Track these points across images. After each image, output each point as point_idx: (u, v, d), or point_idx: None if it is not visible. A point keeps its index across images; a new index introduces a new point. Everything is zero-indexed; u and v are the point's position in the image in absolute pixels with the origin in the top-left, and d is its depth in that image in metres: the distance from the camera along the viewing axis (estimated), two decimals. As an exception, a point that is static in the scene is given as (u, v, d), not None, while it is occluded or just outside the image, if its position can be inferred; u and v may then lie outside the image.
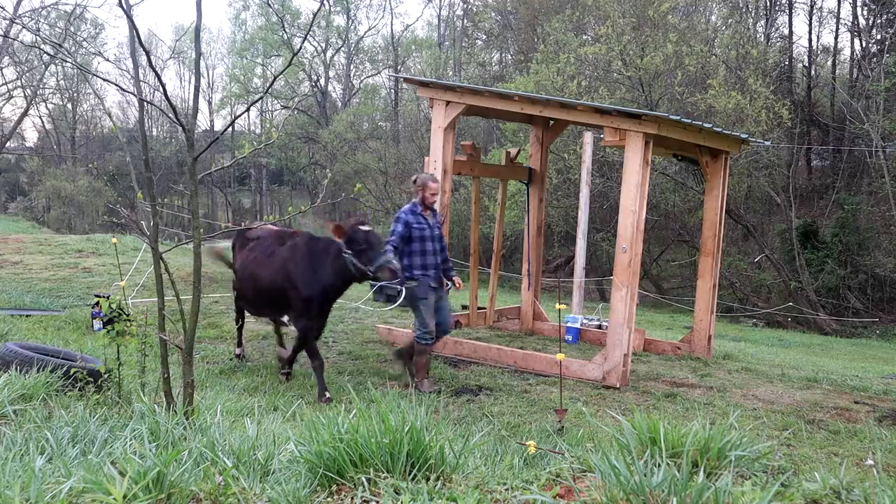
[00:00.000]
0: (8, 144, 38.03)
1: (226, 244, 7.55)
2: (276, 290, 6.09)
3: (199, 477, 2.26)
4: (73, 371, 3.67)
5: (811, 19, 29.79)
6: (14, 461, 2.41)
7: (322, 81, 46.38)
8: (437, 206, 6.62)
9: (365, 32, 47.62)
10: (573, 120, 7.30)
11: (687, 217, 23.40)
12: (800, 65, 29.84)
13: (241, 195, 55.32)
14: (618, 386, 6.44)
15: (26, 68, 30.88)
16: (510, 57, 36.21)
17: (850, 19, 28.32)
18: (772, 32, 28.83)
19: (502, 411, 5.49)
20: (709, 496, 1.96)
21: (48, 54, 21.29)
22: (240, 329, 7.16)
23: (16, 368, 3.78)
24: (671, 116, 6.60)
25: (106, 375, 3.65)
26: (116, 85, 3.69)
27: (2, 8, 13.77)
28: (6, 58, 30.54)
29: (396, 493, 2.15)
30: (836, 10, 28.95)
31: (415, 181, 6.50)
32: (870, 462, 2.63)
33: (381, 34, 62.53)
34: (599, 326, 9.13)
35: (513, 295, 16.27)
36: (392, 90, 44.61)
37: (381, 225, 29.14)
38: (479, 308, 9.37)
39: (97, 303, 7.92)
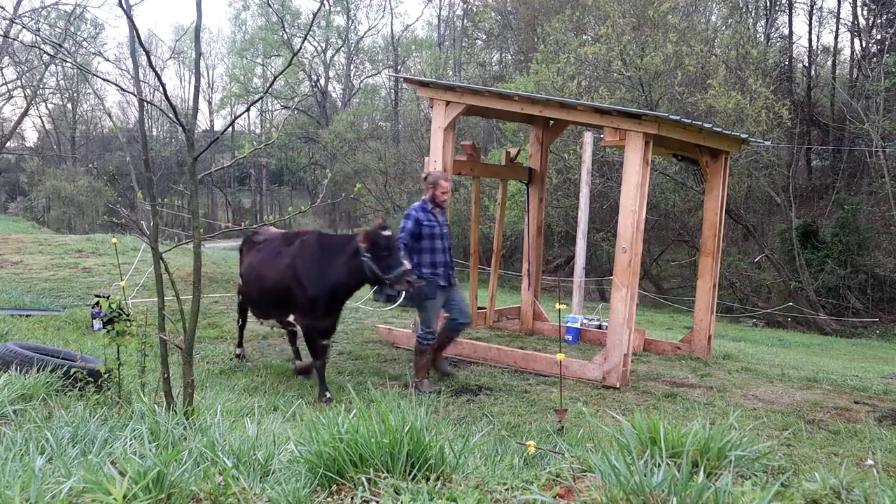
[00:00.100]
0: (8, 144, 38.03)
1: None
2: (282, 289, 5.98)
3: (199, 477, 2.26)
4: (73, 371, 3.67)
5: (811, 19, 29.84)
6: (14, 461, 2.41)
7: (322, 81, 46.41)
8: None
9: (365, 32, 47.70)
10: (573, 120, 7.29)
11: (687, 217, 23.41)
12: (800, 65, 29.85)
13: (241, 195, 55.34)
14: (618, 386, 6.43)
15: (26, 68, 30.89)
16: (510, 57, 36.23)
17: (850, 19, 28.35)
18: (772, 32, 28.85)
19: (502, 411, 5.49)
20: (709, 496, 1.96)
21: (48, 54, 21.29)
22: (241, 329, 7.16)
23: (16, 368, 3.78)
24: (671, 116, 6.60)
25: (106, 375, 3.65)
26: (116, 85, 3.69)
27: (2, 8, 13.76)
28: (6, 58, 30.55)
29: (396, 493, 2.15)
30: (836, 10, 29.00)
31: (426, 178, 6.48)
32: (870, 462, 2.63)
33: (381, 34, 62.63)
34: (599, 326, 9.12)
35: (513, 295, 16.27)
36: (392, 90, 44.63)
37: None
38: (479, 308, 9.37)
39: (97, 303, 7.92)
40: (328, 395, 5.71)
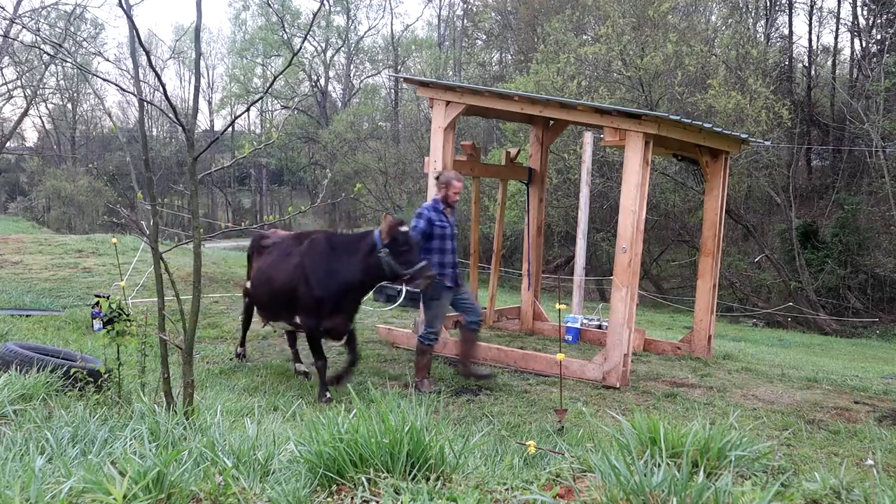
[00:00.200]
0: (8, 144, 38.03)
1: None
2: (290, 290, 5.91)
3: (199, 477, 2.26)
4: (73, 371, 3.67)
5: (811, 19, 29.84)
6: (14, 461, 2.41)
7: (322, 81, 46.41)
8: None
9: (365, 32, 47.70)
10: (573, 120, 7.29)
11: (687, 217, 23.40)
12: (800, 65, 29.86)
13: (241, 195, 55.34)
14: (618, 386, 6.43)
15: (26, 68, 30.89)
16: (510, 57, 36.23)
17: (850, 19, 28.35)
18: (772, 32, 28.85)
19: (502, 411, 5.49)
20: (709, 496, 1.96)
21: (48, 54, 21.29)
22: (245, 329, 7.13)
23: (16, 368, 3.78)
24: (671, 116, 6.60)
25: (106, 375, 3.65)
26: (116, 85, 3.69)
27: (2, 8, 13.77)
28: (6, 58, 30.56)
29: (396, 493, 2.15)
30: (836, 10, 29.00)
31: (437, 178, 6.47)
32: (870, 462, 2.63)
33: (381, 34, 62.63)
34: (599, 326, 9.12)
35: (513, 295, 16.26)
36: (392, 90, 44.64)
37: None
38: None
39: (97, 303, 7.92)
40: (328, 395, 5.71)
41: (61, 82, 42.04)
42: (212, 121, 51.81)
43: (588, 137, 10.74)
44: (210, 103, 51.05)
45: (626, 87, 21.16)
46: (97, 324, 7.80)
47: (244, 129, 51.13)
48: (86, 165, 40.22)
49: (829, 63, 30.75)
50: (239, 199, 54.62)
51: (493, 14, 36.03)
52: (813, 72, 29.67)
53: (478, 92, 7.51)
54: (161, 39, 46.49)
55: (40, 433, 2.79)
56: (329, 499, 2.19)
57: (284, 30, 42.12)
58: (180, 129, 3.38)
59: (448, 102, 7.54)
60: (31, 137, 50.73)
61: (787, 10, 29.17)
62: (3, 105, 36.03)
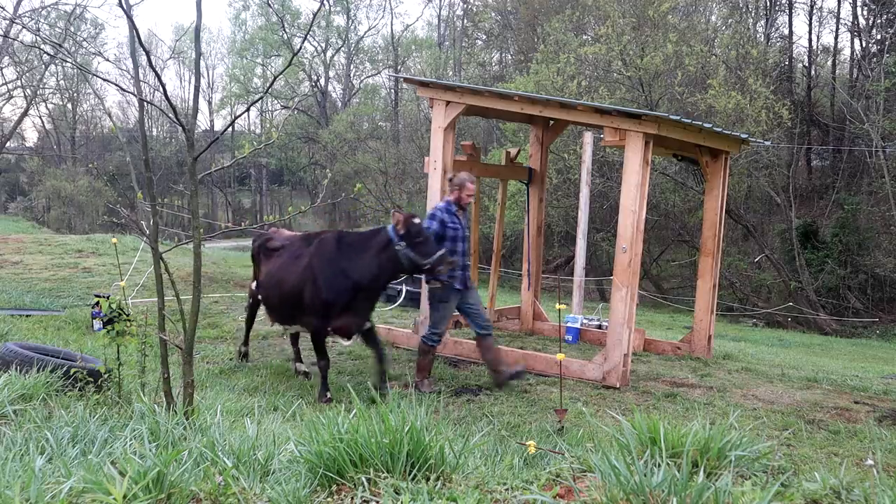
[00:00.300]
0: (8, 144, 38.03)
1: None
2: (306, 290, 5.83)
3: (199, 477, 2.26)
4: (73, 371, 3.67)
5: (811, 19, 29.83)
6: (14, 461, 2.41)
7: (322, 81, 46.41)
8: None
9: (365, 32, 47.69)
10: (573, 120, 7.29)
11: (687, 217, 23.40)
12: (800, 65, 29.85)
13: (241, 195, 55.34)
14: (618, 386, 6.43)
15: (26, 68, 30.88)
16: (510, 57, 36.22)
17: (850, 19, 28.34)
18: (772, 32, 28.84)
19: (502, 411, 5.49)
20: (709, 496, 1.96)
21: (48, 54, 21.29)
22: (249, 328, 7.11)
23: (16, 368, 3.78)
24: (671, 116, 6.60)
25: (106, 375, 3.65)
26: (116, 85, 3.69)
27: (2, 8, 13.77)
28: (6, 58, 30.56)
29: (396, 493, 2.15)
30: (836, 10, 28.99)
31: (451, 180, 6.46)
32: (870, 462, 2.63)
33: (381, 34, 62.62)
34: (599, 326, 9.12)
35: (513, 295, 16.26)
36: (392, 90, 44.63)
37: (381, 224, 29.11)
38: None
39: (97, 303, 7.92)
40: (329, 395, 5.71)
41: (61, 82, 42.05)
42: (212, 121, 51.86)
43: (588, 137, 10.74)
44: (210, 103, 51.09)
45: (626, 87, 21.16)
46: (97, 324, 7.81)
47: (244, 129, 51.16)
48: (86, 165, 40.22)
49: (829, 63, 30.75)
50: (239, 199, 54.62)
51: (493, 14, 36.02)
52: (813, 72, 29.67)
53: (478, 92, 7.51)
54: (161, 39, 46.53)
55: (40, 433, 2.79)
56: (329, 499, 2.19)
57: (284, 30, 42.13)
58: (180, 129, 3.38)
59: (448, 102, 7.54)
60: (31, 137, 50.79)
61: (787, 10, 29.18)
62: (3, 105, 36.06)
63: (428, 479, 2.26)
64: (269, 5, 41.36)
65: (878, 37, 26.08)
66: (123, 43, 48.79)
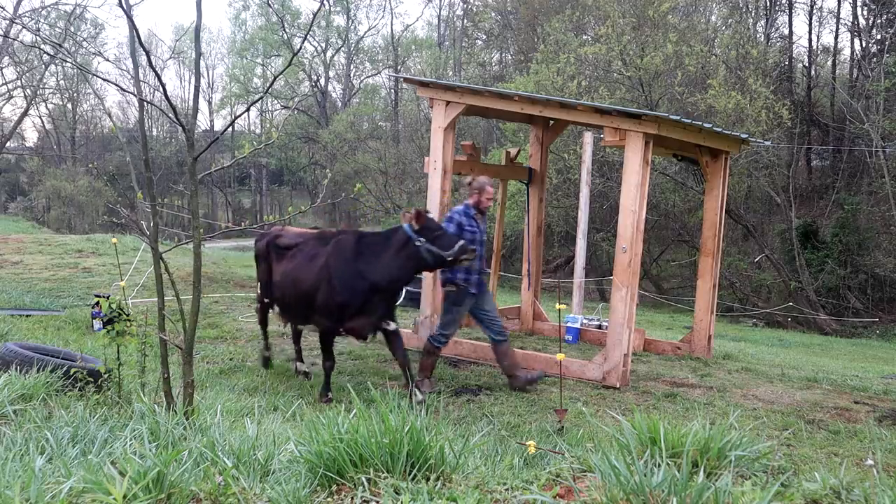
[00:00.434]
0: (8, 144, 38.02)
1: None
2: (318, 290, 5.79)
3: (199, 477, 2.26)
4: (73, 371, 3.67)
5: (811, 19, 29.82)
6: (14, 461, 2.41)
7: (322, 81, 46.41)
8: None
9: (365, 32, 47.70)
10: (573, 120, 7.30)
11: (687, 217, 23.40)
12: (800, 65, 29.84)
13: (241, 195, 55.35)
14: (618, 386, 6.43)
15: (26, 68, 30.87)
16: (510, 57, 36.21)
17: (850, 19, 28.33)
18: (772, 32, 28.83)
19: (502, 411, 5.49)
20: (709, 496, 1.96)
21: (48, 54, 21.29)
22: (265, 330, 6.94)
23: (16, 368, 3.78)
24: (671, 116, 6.60)
25: (106, 375, 3.65)
26: (116, 85, 3.69)
27: (2, 8, 13.76)
28: (6, 58, 30.54)
29: (396, 493, 2.15)
30: (836, 10, 28.98)
31: (470, 184, 6.42)
32: (870, 462, 2.63)
33: (381, 34, 62.65)
34: (599, 326, 9.12)
35: (513, 295, 16.27)
36: (392, 90, 44.64)
37: (381, 224, 29.17)
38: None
39: (97, 303, 7.92)
40: (330, 395, 5.71)
41: (61, 82, 42.04)
42: (212, 121, 51.87)
43: (588, 137, 10.74)
44: (210, 103, 51.10)
45: (626, 87, 21.16)
46: (97, 324, 7.81)
47: (244, 129, 51.17)
48: (86, 165, 40.22)
49: (829, 63, 30.74)
50: (239, 199, 54.63)
51: (493, 14, 36.02)
52: (813, 72, 29.66)
53: (478, 92, 7.52)
54: (161, 39, 46.53)
55: (40, 433, 2.79)
56: (329, 499, 2.19)
57: (284, 30, 42.13)
58: (180, 129, 3.38)
59: (448, 102, 7.54)
60: (31, 137, 50.79)
61: (787, 10, 29.17)
62: (3, 105, 36.05)
63: (428, 479, 2.26)
64: (269, 5, 41.37)
65: (878, 37, 26.08)
66: (123, 43, 48.84)
